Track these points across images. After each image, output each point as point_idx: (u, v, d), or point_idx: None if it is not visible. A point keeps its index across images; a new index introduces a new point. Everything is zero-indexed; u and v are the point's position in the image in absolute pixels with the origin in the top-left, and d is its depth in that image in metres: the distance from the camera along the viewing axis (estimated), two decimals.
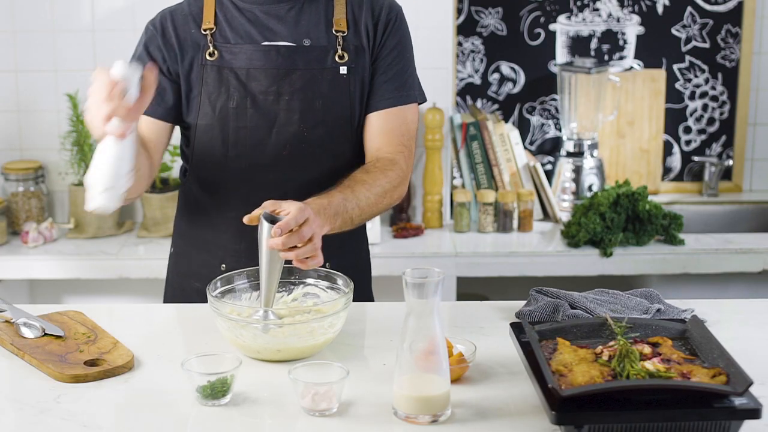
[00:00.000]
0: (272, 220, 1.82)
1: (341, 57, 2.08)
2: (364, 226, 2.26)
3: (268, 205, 1.84)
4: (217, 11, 2.11)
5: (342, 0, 2.11)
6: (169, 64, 2.10)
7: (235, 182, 2.11)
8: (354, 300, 1.96)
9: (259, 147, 2.09)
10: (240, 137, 2.08)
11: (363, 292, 2.20)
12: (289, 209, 1.82)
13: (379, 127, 2.12)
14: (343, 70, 2.08)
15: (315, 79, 2.07)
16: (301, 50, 2.07)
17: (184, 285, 2.22)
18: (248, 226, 2.08)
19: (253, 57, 2.07)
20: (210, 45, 2.08)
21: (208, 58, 2.08)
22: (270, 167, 2.09)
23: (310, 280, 2.00)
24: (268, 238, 1.81)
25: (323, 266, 1.93)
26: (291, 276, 1.99)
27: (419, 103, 2.16)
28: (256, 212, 1.85)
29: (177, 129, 2.19)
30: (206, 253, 2.18)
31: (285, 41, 2.08)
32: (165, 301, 2.28)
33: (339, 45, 2.08)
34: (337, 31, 2.09)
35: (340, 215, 1.94)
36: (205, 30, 2.09)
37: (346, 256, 2.17)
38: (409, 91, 2.13)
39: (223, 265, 2.13)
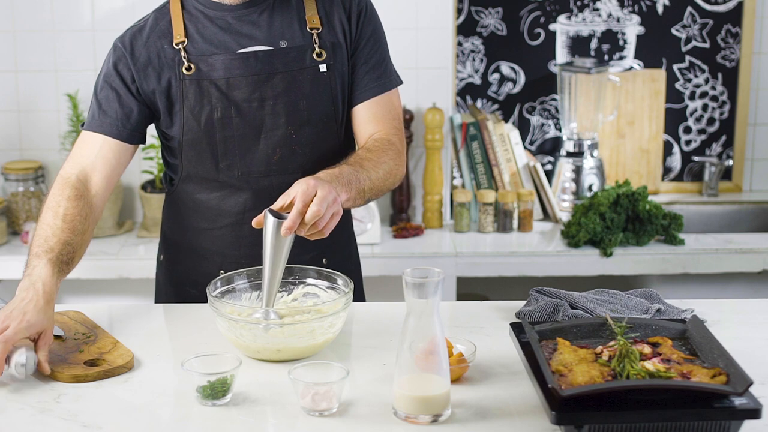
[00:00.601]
0: (278, 214, 1.82)
1: (319, 55, 2.07)
2: (352, 226, 2.26)
3: (277, 204, 1.83)
4: (187, 23, 2.08)
5: None
6: (138, 84, 2.06)
7: (228, 191, 2.10)
8: None
9: (248, 154, 2.07)
10: (229, 147, 2.07)
11: (354, 293, 2.20)
12: (295, 193, 1.81)
13: (369, 116, 2.12)
14: (323, 68, 2.07)
15: (296, 80, 2.06)
16: (279, 53, 2.06)
17: (179, 292, 2.21)
18: (246, 233, 2.08)
19: (231, 66, 2.04)
20: (185, 60, 2.04)
21: (185, 72, 2.04)
22: (262, 173, 2.08)
23: (310, 280, 2.00)
24: (273, 234, 1.81)
25: (321, 264, 1.91)
26: (291, 276, 1.99)
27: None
28: (263, 215, 1.84)
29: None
30: (203, 260, 2.16)
31: (261, 45, 2.06)
32: None
33: (316, 43, 2.07)
34: (311, 29, 2.07)
35: (353, 184, 1.93)
36: (177, 44, 2.05)
37: (336, 256, 2.17)
38: (390, 76, 2.15)
39: (222, 271, 2.11)
